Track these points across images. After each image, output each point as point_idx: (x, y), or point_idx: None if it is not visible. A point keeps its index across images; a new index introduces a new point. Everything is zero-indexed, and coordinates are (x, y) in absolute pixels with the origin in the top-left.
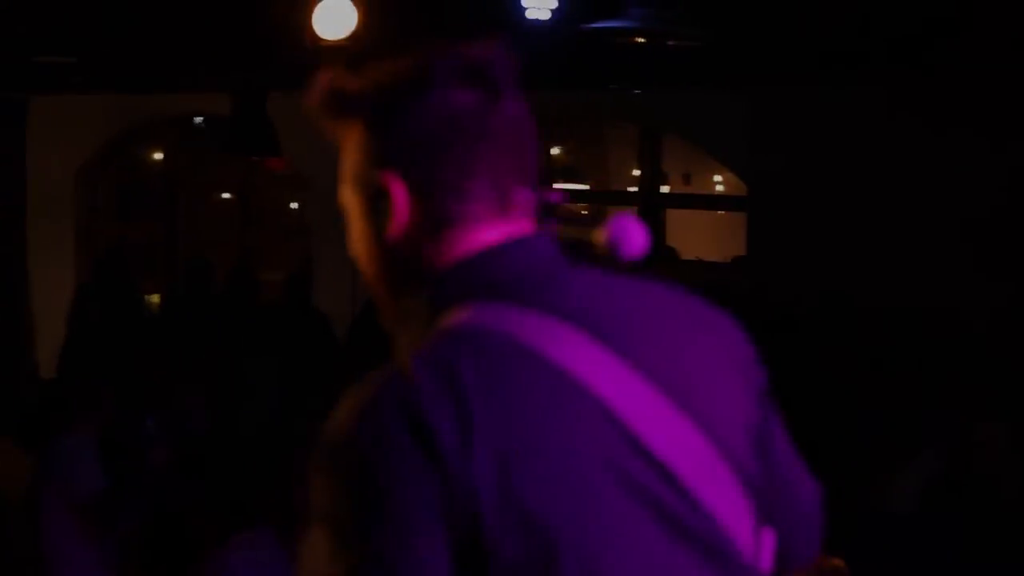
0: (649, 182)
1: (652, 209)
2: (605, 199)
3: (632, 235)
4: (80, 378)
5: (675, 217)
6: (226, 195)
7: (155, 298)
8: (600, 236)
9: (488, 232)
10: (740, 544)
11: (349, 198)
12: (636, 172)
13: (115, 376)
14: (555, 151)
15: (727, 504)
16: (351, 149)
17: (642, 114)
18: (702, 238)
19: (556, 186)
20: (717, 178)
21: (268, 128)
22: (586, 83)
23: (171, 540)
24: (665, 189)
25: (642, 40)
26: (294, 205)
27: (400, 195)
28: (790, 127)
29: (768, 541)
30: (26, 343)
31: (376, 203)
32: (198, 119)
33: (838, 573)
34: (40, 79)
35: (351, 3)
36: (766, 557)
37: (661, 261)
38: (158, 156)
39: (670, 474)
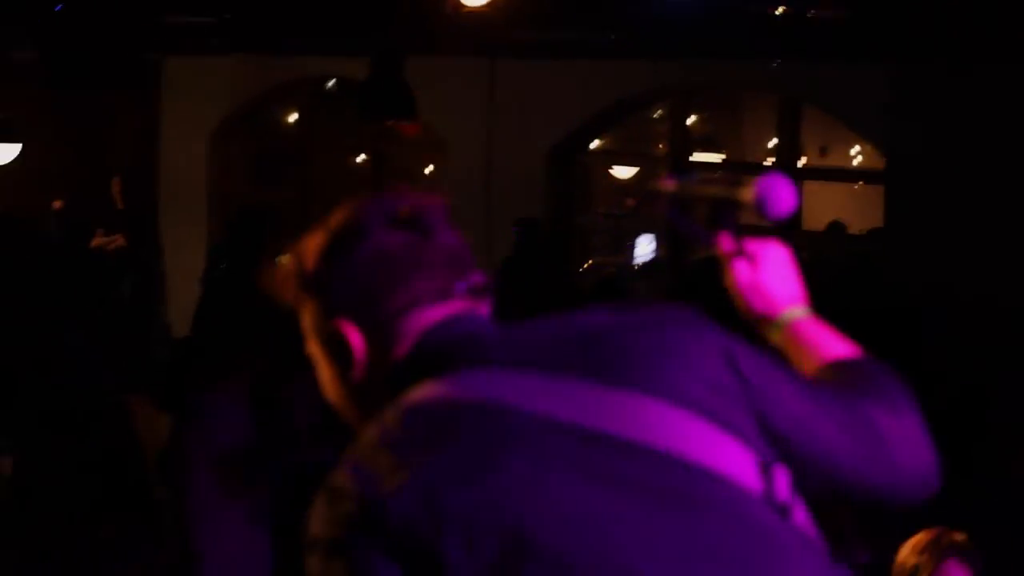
0: (786, 154)
1: None
2: (740, 170)
3: (781, 194)
4: (227, 336)
5: (810, 190)
6: (359, 158)
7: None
8: (747, 195)
9: (430, 313)
10: (737, 481)
11: (314, 351)
12: (772, 143)
13: (260, 335)
14: (691, 120)
15: (707, 452)
16: (307, 311)
17: (781, 85)
18: (838, 212)
19: (692, 156)
20: (854, 151)
21: (405, 91)
22: (726, 53)
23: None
24: (802, 161)
25: (783, 11)
26: (428, 169)
27: (354, 335)
28: (931, 101)
29: (781, 476)
30: (159, 303)
31: (336, 349)
32: (331, 83)
33: (961, 548)
34: (175, 40)
35: None
36: (781, 489)
37: (797, 231)
38: (292, 119)
39: (631, 446)
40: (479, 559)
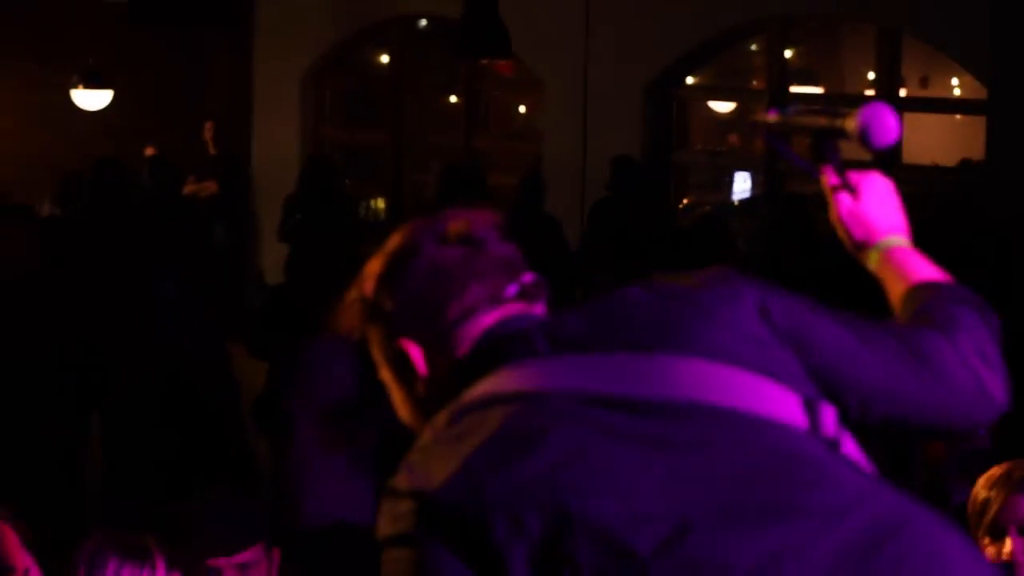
0: (886, 85)
1: None
2: (840, 102)
3: (885, 122)
4: (326, 287)
5: (910, 121)
6: (453, 98)
7: (380, 203)
8: (851, 123)
9: (485, 319)
10: (780, 419)
11: (384, 376)
12: (871, 75)
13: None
14: (788, 54)
15: (746, 397)
16: (374, 338)
17: (880, 14)
18: (938, 143)
19: (790, 89)
20: (954, 81)
21: (500, 29)
22: None
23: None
24: (902, 93)
25: None
26: (522, 108)
27: (415, 352)
28: None
29: (828, 412)
30: (252, 250)
31: (401, 368)
32: (423, 22)
33: None
34: None
35: None
36: (827, 423)
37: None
38: (384, 59)
39: (667, 404)
40: (527, 538)
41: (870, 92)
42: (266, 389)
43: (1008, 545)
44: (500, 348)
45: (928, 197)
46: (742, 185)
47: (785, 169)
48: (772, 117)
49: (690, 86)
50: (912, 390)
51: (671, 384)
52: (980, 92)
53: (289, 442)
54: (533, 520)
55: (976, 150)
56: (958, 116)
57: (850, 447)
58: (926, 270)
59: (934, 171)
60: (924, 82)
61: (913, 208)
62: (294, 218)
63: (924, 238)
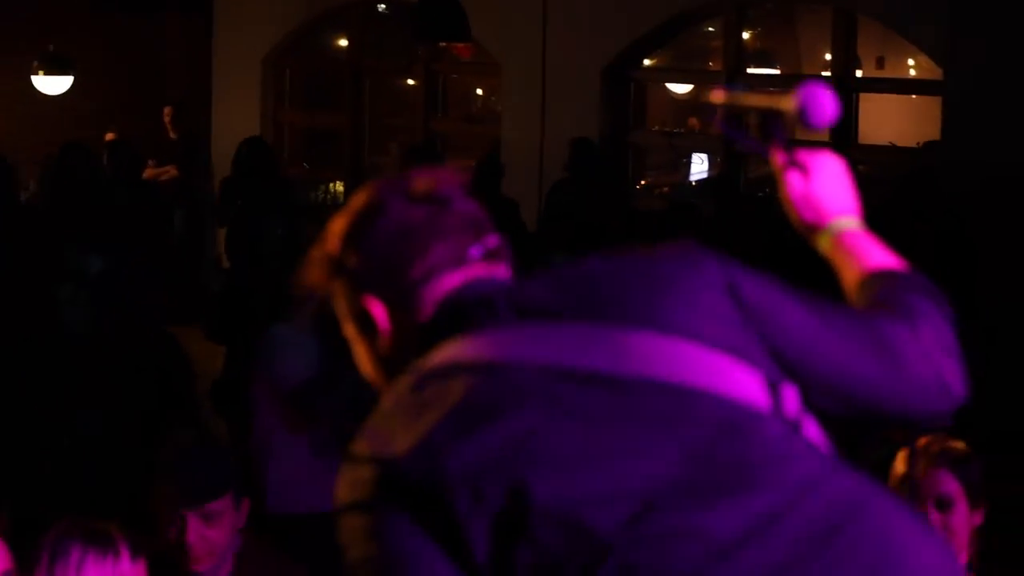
0: (842, 66)
1: (845, 94)
2: (796, 84)
3: (822, 101)
4: (283, 270)
5: (866, 101)
6: (411, 81)
7: (340, 186)
8: (789, 103)
9: (448, 280)
10: (742, 399)
11: (349, 332)
12: (828, 56)
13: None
14: (745, 35)
15: (708, 376)
16: (338, 294)
17: None
18: (895, 123)
19: (747, 71)
20: (910, 62)
21: (458, 13)
22: None
23: None
24: (859, 73)
25: None
26: (480, 91)
27: (378, 308)
28: (991, 9)
29: (790, 393)
30: (211, 234)
31: (364, 324)
32: (382, 6)
33: (955, 456)
34: None
35: None
36: (789, 405)
37: (850, 145)
38: (343, 43)
39: (628, 380)
40: (488, 511)
41: (826, 73)
42: (224, 373)
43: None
44: (463, 313)
45: (884, 177)
46: (699, 167)
47: (743, 150)
48: (717, 97)
49: (648, 68)
50: (874, 379)
51: (632, 359)
52: (936, 73)
53: (249, 427)
54: (494, 493)
55: (932, 130)
56: (914, 96)
57: (811, 429)
58: (879, 256)
59: (890, 151)
60: (880, 63)
61: (869, 188)
62: (234, 203)
63: (880, 219)
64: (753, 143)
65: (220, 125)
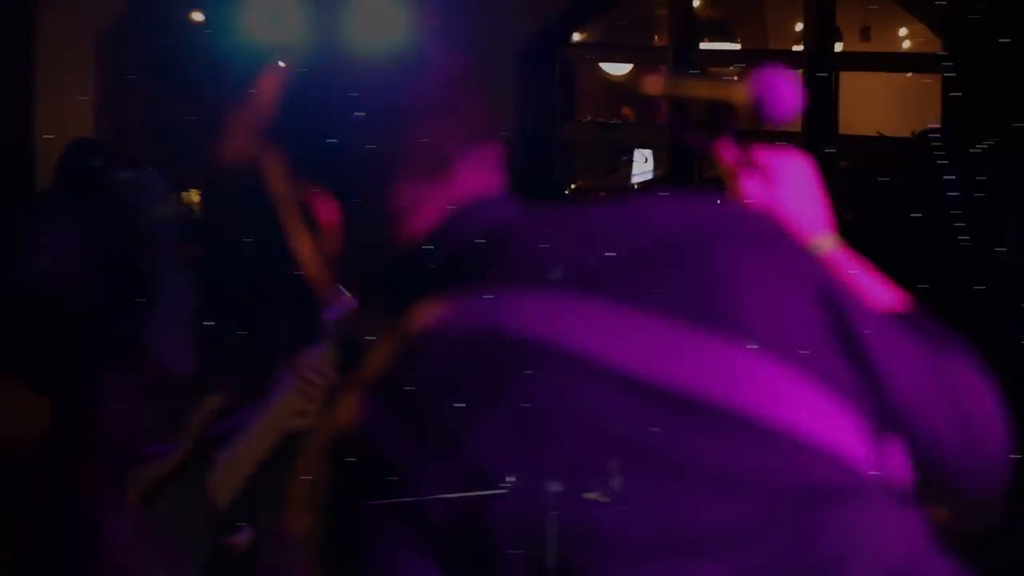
0: (818, 39)
1: (822, 72)
2: (761, 60)
3: (781, 92)
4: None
5: (848, 82)
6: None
7: (195, 196)
8: (740, 93)
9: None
10: (790, 428)
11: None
12: (799, 27)
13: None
14: (697, 2)
15: (749, 390)
16: (272, 171)
17: None
18: (883, 109)
19: (700, 46)
20: (902, 32)
21: None
22: None
23: None
24: (838, 47)
25: None
26: None
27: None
28: None
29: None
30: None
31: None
32: None
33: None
34: None
35: None
36: (894, 464)
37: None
38: (200, 18)
39: (627, 379)
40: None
41: (798, 48)
42: (51, 430)
43: None
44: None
45: (871, 174)
46: (642, 167)
47: (693, 146)
48: (655, 86)
49: (576, 44)
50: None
51: (716, 383)
52: (934, 45)
53: (76, 488)
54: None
55: (930, 116)
56: (908, 75)
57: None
58: (870, 290)
59: (878, 143)
60: (865, 34)
61: (851, 189)
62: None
63: (865, 226)
64: (698, 140)
65: (47, 121)
